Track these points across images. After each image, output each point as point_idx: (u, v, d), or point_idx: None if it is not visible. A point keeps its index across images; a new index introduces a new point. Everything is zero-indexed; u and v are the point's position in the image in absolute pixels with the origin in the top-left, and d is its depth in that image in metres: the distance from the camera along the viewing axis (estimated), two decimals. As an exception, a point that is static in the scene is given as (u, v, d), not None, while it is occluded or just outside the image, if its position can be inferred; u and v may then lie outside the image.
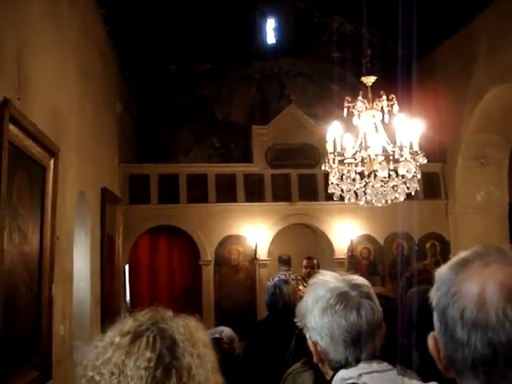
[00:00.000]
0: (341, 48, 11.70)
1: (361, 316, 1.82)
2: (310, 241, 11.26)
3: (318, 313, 1.85)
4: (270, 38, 12.58)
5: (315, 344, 1.88)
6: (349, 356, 1.82)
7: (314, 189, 10.73)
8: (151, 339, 1.40)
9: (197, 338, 1.50)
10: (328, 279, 1.92)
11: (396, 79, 8.44)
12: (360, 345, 1.82)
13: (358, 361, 1.83)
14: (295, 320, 1.99)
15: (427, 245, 10.84)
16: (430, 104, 10.28)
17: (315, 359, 1.92)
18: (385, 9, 8.85)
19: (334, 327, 1.82)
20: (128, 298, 10.74)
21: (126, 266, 10.55)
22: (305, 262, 9.10)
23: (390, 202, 6.28)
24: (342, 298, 1.85)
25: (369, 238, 10.81)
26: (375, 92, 6.39)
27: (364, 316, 1.83)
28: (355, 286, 1.89)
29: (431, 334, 1.15)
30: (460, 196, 10.59)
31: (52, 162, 5.10)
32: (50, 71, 5.40)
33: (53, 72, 5.50)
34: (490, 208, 10.43)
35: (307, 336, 1.92)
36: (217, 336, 5.02)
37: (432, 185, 10.89)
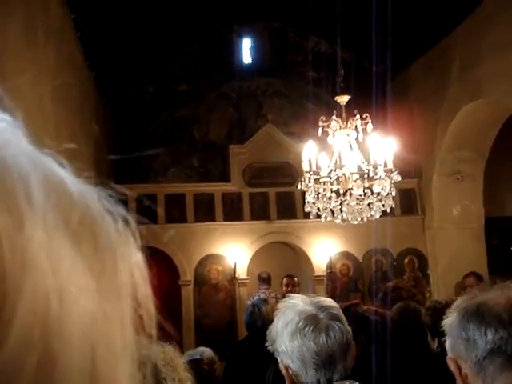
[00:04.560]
0: (316, 67, 11.81)
1: (330, 338, 1.83)
2: (289, 259, 11.28)
3: (288, 337, 1.86)
4: (247, 57, 12.68)
5: (287, 368, 1.90)
6: (320, 378, 1.83)
7: (292, 207, 10.78)
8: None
9: (177, 364, 1.52)
10: (296, 302, 1.94)
11: (371, 97, 8.57)
12: (331, 366, 1.83)
13: (330, 382, 1.84)
14: (266, 344, 2.00)
15: (405, 260, 10.92)
16: (405, 121, 10.41)
17: (287, 383, 1.92)
18: (360, 28, 8.98)
19: (303, 350, 1.83)
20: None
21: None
22: (285, 280, 9.07)
23: (365, 219, 6.35)
24: (311, 320, 1.86)
25: (347, 255, 10.86)
26: (350, 110, 6.47)
27: (333, 338, 1.84)
28: (323, 308, 1.90)
29: (448, 358, 1.27)
30: (436, 211, 10.70)
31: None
32: (25, 96, 5.40)
33: (27, 97, 5.50)
34: (467, 222, 10.54)
35: (279, 360, 1.93)
36: (197, 357, 5.00)
37: (409, 201, 11.00)
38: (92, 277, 0.38)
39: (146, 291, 0.42)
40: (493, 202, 11.08)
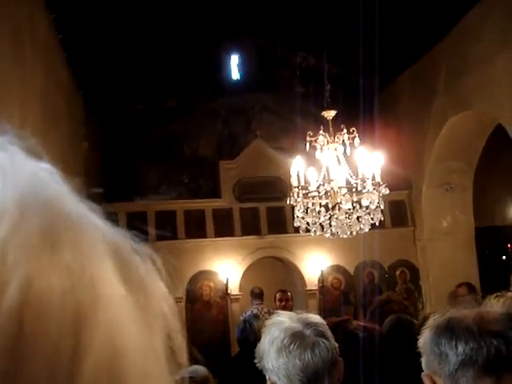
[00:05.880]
0: (305, 82, 11.88)
1: (315, 355, 1.84)
2: (280, 273, 11.26)
3: (274, 354, 1.87)
4: (235, 73, 12.73)
5: None
6: None
7: (282, 221, 10.79)
8: None
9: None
10: (283, 319, 1.95)
11: (359, 111, 8.62)
12: (316, 383, 1.84)
13: None
14: (255, 361, 2.00)
15: (397, 272, 10.93)
16: (393, 134, 10.47)
17: None
18: (346, 42, 9.06)
19: (289, 368, 1.84)
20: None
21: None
22: (278, 295, 9.02)
23: (354, 233, 6.37)
24: (296, 337, 1.87)
25: (339, 268, 10.86)
26: (338, 124, 6.50)
27: (318, 355, 1.84)
28: (310, 325, 1.91)
29: (423, 374, 1.31)
30: (427, 223, 10.74)
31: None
32: (13, 116, 5.41)
33: (15, 117, 5.50)
34: (457, 233, 10.58)
35: (267, 377, 1.94)
36: (188, 375, 4.97)
37: (399, 213, 11.03)
38: (136, 311, 0.41)
39: (175, 325, 0.45)
40: (483, 212, 11.13)
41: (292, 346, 1.85)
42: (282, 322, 1.94)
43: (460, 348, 1.28)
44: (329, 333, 1.94)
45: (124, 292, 0.40)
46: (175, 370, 0.46)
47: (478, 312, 1.34)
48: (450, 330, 1.32)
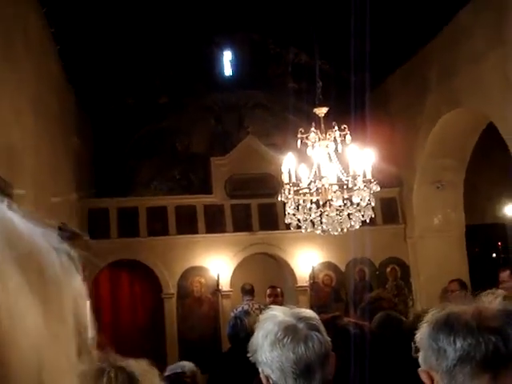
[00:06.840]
0: (297, 78, 11.88)
1: (308, 348, 1.87)
2: (272, 270, 11.28)
3: (268, 347, 1.89)
4: (227, 70, 12.72)
5: (267, 378, 1.93)
6: None
7: (274, 218, 10.79)
8: (113, 374, 1.48)
9: (153, 375, 1.57)
10: (276, 313, 1.98)
11: (351, 108, 8.64)
12: (309, 376, 1.87)
13: None
14: (248, 355, 2.02)
15: (388, 269, 10.97)
16: (385, 131, 10.50)
17: None
18: (339, 40, 9.06)
19: (282, 360, 1.86)
20: (91, 335, 10.57)
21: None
22: (268, 291, 9.06)
23: (345, 230, 6.38)
24: (290, 331, 1.89)
25: (330, 265, 10.89)
26: (330, 122, 6.51)
27: (311, 348, 1.87)
28: (303, 319, 1.94)
29: (420, 370, 1.34)
30: (418, 220, 10.77)
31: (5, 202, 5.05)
32: (3, 110, 5.39)
33: (6, 111, 5.48)
34: (448, 230, 10.62)
35: (260, 370, 1.96)
36: (179, 371, 4.98)
37: (390, 210, 11.06)
38: (39, 301, 0.43)
39: (88, 317, 0.48)
40: (473, 210, 11.18)
41: (285, 340, 1.87)
42: (275, 315, 1.97)
43: (458, 344, 1.28)
44: (321, 327, 1.97)
45: (22, 287, 0.42)
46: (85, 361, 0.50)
47: (476, 307, 1.34)
48: (448, 326, 1.32)
